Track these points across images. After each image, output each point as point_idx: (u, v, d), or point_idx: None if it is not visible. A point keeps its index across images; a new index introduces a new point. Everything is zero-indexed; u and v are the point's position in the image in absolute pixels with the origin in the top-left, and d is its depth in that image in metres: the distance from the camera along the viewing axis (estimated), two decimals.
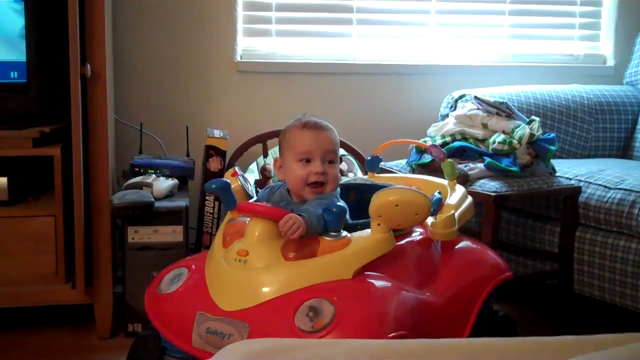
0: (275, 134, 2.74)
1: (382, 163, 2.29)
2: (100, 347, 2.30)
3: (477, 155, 2.43)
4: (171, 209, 2.33)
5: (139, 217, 2.26)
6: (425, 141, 2.48)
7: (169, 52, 2.89)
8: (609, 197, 2.29)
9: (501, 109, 2.45)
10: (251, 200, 1.79)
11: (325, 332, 1.46)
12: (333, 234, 1.59)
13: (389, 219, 1.58)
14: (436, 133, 2.57)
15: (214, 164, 2.57)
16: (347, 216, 1.67)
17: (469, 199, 1.98)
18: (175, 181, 2.47)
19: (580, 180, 2.40)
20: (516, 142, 2.34)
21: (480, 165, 2.36)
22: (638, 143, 2.94)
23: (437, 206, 1.84)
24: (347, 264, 1.58)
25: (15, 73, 2.27)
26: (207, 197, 2.56)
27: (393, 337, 1.47)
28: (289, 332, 1.48)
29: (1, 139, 2.22)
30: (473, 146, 2.45)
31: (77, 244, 2.23)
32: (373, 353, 0.99)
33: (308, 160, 1.71)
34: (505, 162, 2.33)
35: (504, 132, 2.42)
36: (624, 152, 2.98)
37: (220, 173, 2.54)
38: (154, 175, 2.45)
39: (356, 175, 2.82)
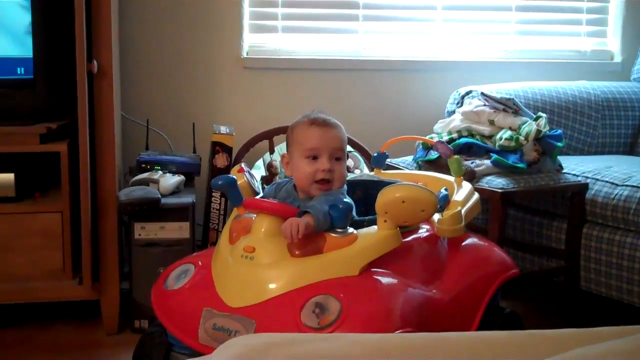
0: (281, 131, 2.74)
1: (388, 159, 2.29)
2: (107, 343, 2.31)
3: (484, 152, 2.42)
4: (178, 205, 2.33)
5: (145, 213, 2.26)
6: (431, 137, 2.47)
7: (175, 49, 2.89)
8: (616, 194, 2.28)
9: (508, 105, 2.44)
10: (257, 197, 1.79)
11: (331, 328, 1.46)
12: (339, 230, 1.59)
13: (395, 215, 1.58)
14: (443, 129, 2.57)
15: (221, 161, 2.58)
16: (354, 213, 1.67)
17: (476, 195, 1.98)
18: (182, 177, 2.47)
19: (587, 177, 2.40)
20: (523, 138, 2.34)
21: (487, 162, 2.36)
22: None
23: (443, 203, 1.83)
24: (353, 260, 1.58)
25: (22, 69, 2.28)
26: (213, 194, 2.56)
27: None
28: (295, 329, 1.48)
29: (8, 135, 2.22)
30: (480, 143, 2.44)
31: (84, 240, 2.24)
32: (371, 347, 0.99)
33: (315, 157, 1.71)
34: (512, 159, 2.33)
35: (510, 128, 2.41)
36: (631, 148, 2.97)
37: (227, 169, 2.55)
38: (160, 172, 2.45)
39: (362, 171, 2.82)
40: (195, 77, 2.92)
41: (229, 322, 1.55)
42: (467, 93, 2.71)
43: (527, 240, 2.53)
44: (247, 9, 2.95)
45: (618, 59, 3.28)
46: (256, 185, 1.85)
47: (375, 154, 2.17)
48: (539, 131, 2.35)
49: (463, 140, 2.46)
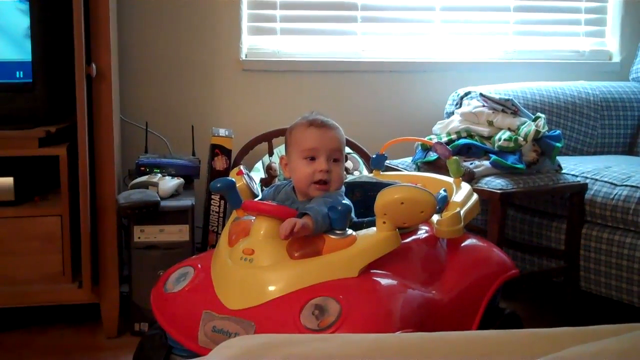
0: (280, 133, 2.74)
1: (387, 161, 2.29)
2: (107, 346, 2.30)
3: (483, 153, 2.42)
4: (177, 208, 2.33)
5: (145, 216, 2.27)
6: (430, 139, 2.48)
7: (174, 51, 2.89)
8: (615, 194, 2.28)
9: (507, 106, 2.45)
10: (256, 199, 1.79)
11: (331, 330, 1.46)
12: (338, 232, 1.59)
13: (394, 217, 1.58)
14: (441, 130, 2.57)
15: (220, 163, 2.58)
16: (353, 214, 1.67)
17: (475, 196, 1.98)
18: (181, 180, 2.47)
19: (587, 177, 2.40)
20: (522, 139, 2.34)
21: (486, 163, 2.36)
22: None
23: (442, 204, 1.83)
24: (352, 262, 1.58)
25: (21, 73, 2.28)
26: (212, 196, 2.56)
27: None
28: (294, 331, 1.48)
29: (7, 139, 2.22)
30: (478, 143, 2.44)
31: (84, 244, 2.24)
32: (369, 347, 0.99)
33: (313, 158, 1.71)
34: (511, 160, 2.33)
35: (509, 129, 2.41)
36: (630, 148, 2.97)
37: (226, 172, 2.55)
38: (159, 175, 2.45)
39: (362, 173, 2.82)
40: (194, 80, 2.92)
41: (229, 325, 1.55)
42: (466, 94, 2.71)
43: (526, 241, 2.53)
44: (245, 11, 2.95)
45: (617, 58, 3.28)
46: (255, 187, 1.85)
47: (374, 156, 2.17)
48: (537, 132, 2.35)
49: (462, 141, 2.46)
